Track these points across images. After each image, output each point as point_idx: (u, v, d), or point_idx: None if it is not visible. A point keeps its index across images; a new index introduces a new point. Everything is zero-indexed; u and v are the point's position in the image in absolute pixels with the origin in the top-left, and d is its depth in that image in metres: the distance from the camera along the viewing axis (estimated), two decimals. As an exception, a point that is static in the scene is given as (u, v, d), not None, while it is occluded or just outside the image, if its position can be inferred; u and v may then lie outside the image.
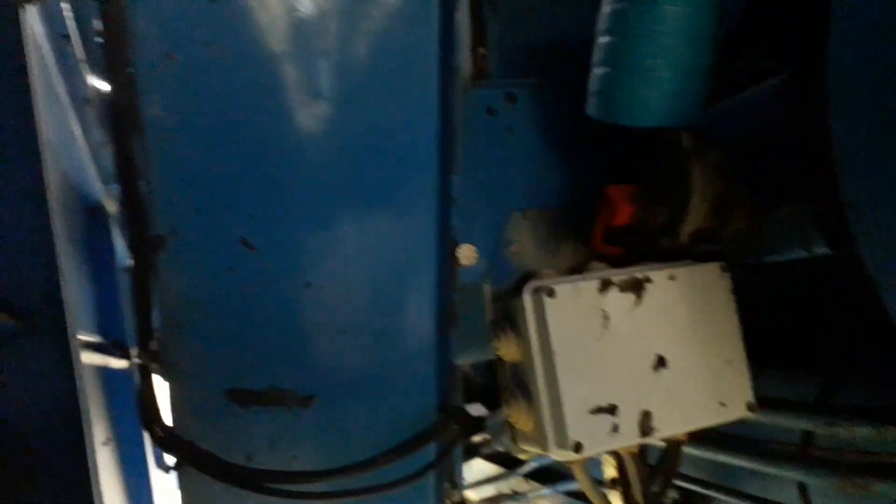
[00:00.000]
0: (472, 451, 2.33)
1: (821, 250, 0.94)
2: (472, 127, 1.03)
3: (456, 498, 1.04)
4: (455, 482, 1.04)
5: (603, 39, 0.91)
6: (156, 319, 0.86)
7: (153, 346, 0.84)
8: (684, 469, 1.49)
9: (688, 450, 1.39)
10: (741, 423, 1.32)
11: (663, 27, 0.86)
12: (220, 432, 0.89)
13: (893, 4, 0.74)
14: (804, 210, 0.95)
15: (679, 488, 1.56)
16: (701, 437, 1.35)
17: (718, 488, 1.38)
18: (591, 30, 0.93)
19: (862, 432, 1.04)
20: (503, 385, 1.00)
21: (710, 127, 1.00)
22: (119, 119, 0.72)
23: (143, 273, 0.79)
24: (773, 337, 1.34)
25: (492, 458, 2.35)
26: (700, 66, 0.88)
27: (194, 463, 0.85)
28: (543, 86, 1.06)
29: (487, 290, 1.03)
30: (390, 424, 0.96)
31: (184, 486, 0.92)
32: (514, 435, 1.01)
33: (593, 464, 1.48)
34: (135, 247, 0.77)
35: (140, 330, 0.83)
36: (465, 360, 1.47)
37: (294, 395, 0.92)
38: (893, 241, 0.79)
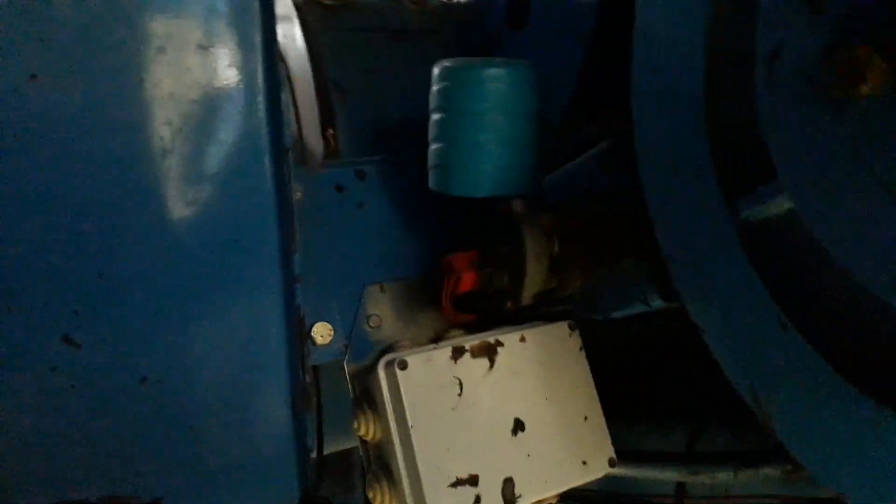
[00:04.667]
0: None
1: (657, 304, 0.99)
2: (323, 204, 1.05)
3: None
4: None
5: (435, 116, 0.96)
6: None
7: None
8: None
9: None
10: (619, 480, 1.34)
11: (487, 104, 0.91)
12: (50, 551, 0.81)
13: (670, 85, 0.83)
14: (639, 266, 1.01)
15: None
16: (581, 499, 1.36)
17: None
18: (430, 110, 0.98)
19: (721, 477, 1.07)
20: (367, 467, 0.98)
21: (546, 194, 1.06)
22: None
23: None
24: (641, 391, 1.38)
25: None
26: (526, 139, 0.94)
27: (17, 590, 0.77)
28: (391, 162, 1.10)
29: (348, 368, 1.02)
30: (247, 521, 0.91)
31: None
32: (381, 522, 0.97)
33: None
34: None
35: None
36: (336, 447, 1.43)
37: (137, 500, 0.86)
38: (708, 288, 0.84)
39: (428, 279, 1.09)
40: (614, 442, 1.06)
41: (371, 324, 1.05)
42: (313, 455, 1.04)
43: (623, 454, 1.22)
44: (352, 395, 1.00)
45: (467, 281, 0.95)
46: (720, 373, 0.88)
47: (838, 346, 0.72)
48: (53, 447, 0.80)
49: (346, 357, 1.02)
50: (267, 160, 0.87)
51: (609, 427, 1.04)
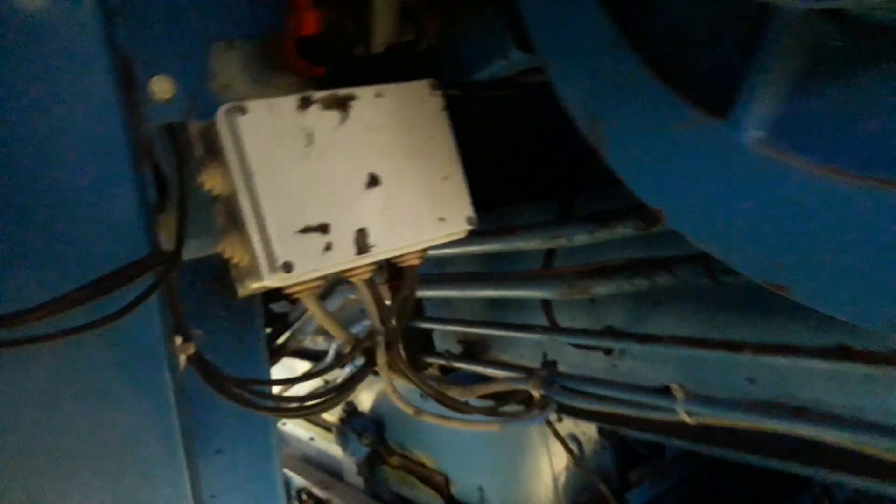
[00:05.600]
0: (279, 352, 2.30)
1: (516, 55, 0.95)
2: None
3: (189, 351, 0.98)
4: (187, 335, 0.99)
5: None
6: None
7: None
8: (464, 316, 1.54)
9: (454, 293, 1.44)
10: (498, 259, 1.38)
11: None
12: None
13: None
14: (498, 16, 0.96)
15: (461, 341, 1.62)
16: (461, 279, 1.40)
17: (486, 325, 1.44)
18: None
19: (580, 239, 1.11)
20: (219, 225, 0.95)
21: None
22: None
23: None
24: (512, 172, 1.39)
25: (302, 354, 2.34)
26: None
27: None
28: None
29: (192, 126, 0.96)
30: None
31: None
32: (237, 275, 0.97)
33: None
34: None
35: None
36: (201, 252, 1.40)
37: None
38: (552, 23, 0.80)
39: (283, 39, 1.02)
40: (486, 225, 1.06)
41: (218, 83, 0.98)
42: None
43: (493, 231, 1.24)
44: (197, 155, 0.95)
45: (310, 21, 0.88)
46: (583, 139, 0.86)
47: (667, 59, 0.70)
48: None
49: (191, 117, 0.96)
50: None
51: (482, 214, 1.03)
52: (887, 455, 0.83)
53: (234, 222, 0.91)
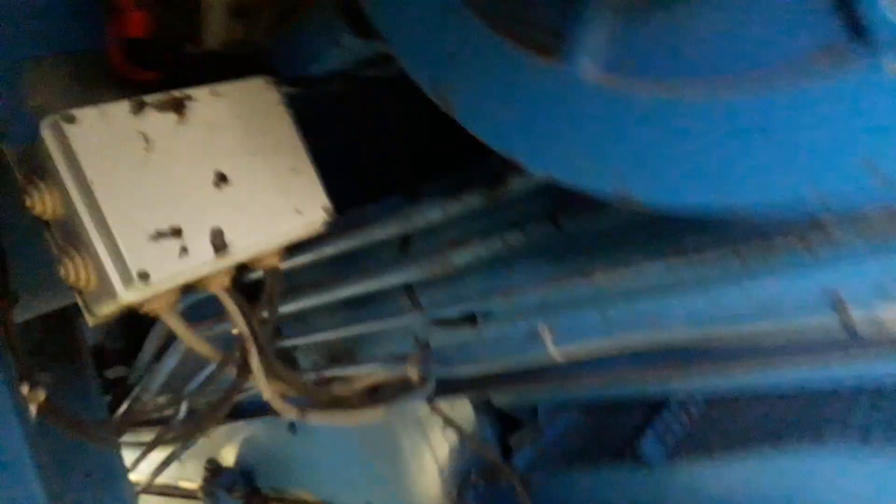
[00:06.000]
0: (125, 421, 2.10)
1: (348, 41, 0.99)
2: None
3: (40, 398, 0.89)
4: (36, 381, 0.89)
5: None
6: None
7: None
8: (325, 325, 1.52)
9: (313, 302, 1.43)
10: (351, 260, 1.39)
11: None
12: None
13: None
14: (331, 7, 0.99)
15: (328, 354, 1.60)
16: (317, 285, 1.40)
17: (350, 324, 1.44)
18: None
19: (434, 216, 1.16)
20: (54, 252, 0.87)
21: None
22: None
23: None
24: (370, 171, 1.42)
25: (150, 423, 2.16)
26: None
27: None
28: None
29: (8, 152, 0.88)
30: None
31: None
32: (86, 302, 0.89)
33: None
34: None
35: None
36: (34, 311, 1.29)
37: None
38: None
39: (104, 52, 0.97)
40: (338, 228, 1.07)
41: (33, 104, 0.91)
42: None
43: (346, 227, 1.26)
44: (19, 179, 0.87)
45: (137, 21, 0.86)
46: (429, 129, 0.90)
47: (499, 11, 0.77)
48: None
49: (5, 142, 0.88)
50: None
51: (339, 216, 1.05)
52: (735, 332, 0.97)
53: (75, 243, 0.84)
